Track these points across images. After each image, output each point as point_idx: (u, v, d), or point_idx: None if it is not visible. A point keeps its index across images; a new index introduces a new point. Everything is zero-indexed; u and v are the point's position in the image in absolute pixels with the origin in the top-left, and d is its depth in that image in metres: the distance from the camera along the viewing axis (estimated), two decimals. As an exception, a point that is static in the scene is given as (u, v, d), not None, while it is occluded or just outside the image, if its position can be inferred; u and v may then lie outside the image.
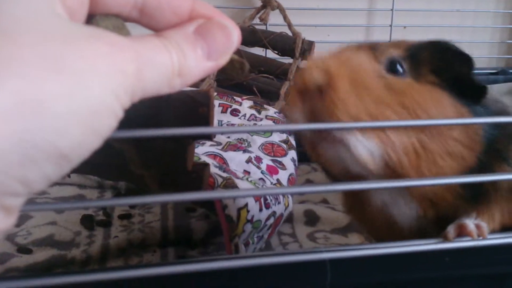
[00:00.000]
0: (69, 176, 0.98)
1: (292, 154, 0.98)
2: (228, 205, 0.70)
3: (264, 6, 1.31)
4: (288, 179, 0.92)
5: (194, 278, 0.43)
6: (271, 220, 0.78)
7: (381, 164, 0.47)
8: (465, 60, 0.49)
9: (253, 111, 1.06)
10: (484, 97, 0.50)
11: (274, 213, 0.78)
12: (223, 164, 0.83)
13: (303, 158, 1.02)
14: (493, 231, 0.50)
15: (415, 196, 0.50)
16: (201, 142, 0.89)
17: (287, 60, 1.24)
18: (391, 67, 0.49)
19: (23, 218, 0.91)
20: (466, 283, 0.50)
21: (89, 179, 1.06)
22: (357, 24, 1.50)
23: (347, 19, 1.47)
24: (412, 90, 0.48)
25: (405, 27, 1.49)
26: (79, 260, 0.81)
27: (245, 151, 0.90)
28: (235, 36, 0.34)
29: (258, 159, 0.90)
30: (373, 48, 0.51)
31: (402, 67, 0.49)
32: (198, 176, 0.57)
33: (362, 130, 0.45)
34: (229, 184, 0.73)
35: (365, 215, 0.56)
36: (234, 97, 1.10)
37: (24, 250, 0.82)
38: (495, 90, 1.28)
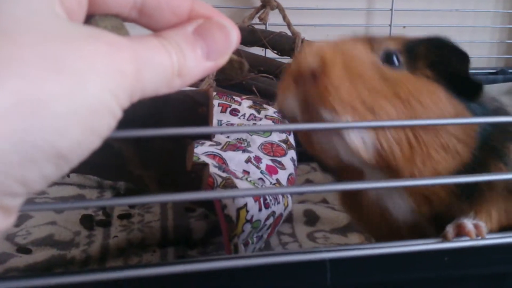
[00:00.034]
0: (68, 176, 0.99)
1: (292, 154, 0.98)
2: (227, 205, 0.70)
3: (263, 6, 1.31)
4: (288, 179, 0.92)
5: (194, 278, 0.43)
6: (271, 220, 0.78)
7: (373, 154, 0.46)
8: (462, 56, 0.49)
9: (253, 111, 1.06)
10: (480, 94, 0.50)
11: (273, 213, 0.78)
12: (222, 164, 0.83)
13: (302, 158, 1.02)
14: (491, 231, 0.50)
15: (409, 189, 0.50)
16: (200, 142, 0.89)
17: (286, 60, 1.24)
18: (387, 59, 0.49)
19: (22, 218, 0.91)
20: (465, 282, 0.50)
21: (88, 179, 1.06)
22: (356, 24, 1.50)
23: (346, 19, 1.47)
24: (407, 81, 0.48)
25: (404, 27, 1.49)
26: (78, 260, 0.81)
27: (244, 151, 0.90)
28: (234, 36, 0.34)
29: (258, 159, 0.90)
30: (370, 40, 0.50)
31: (398, 59, 0.49)
32: (198, 176, 0.57)
33: (355, 117, 0.45)
34: (228, 184, 0.73)
35: (359, 208, 0.56)
36: (234, 97, 1.10)
37: (23, 250, 0.82)
38: (495, 90, 1.28)
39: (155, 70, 0.30)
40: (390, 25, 1.45)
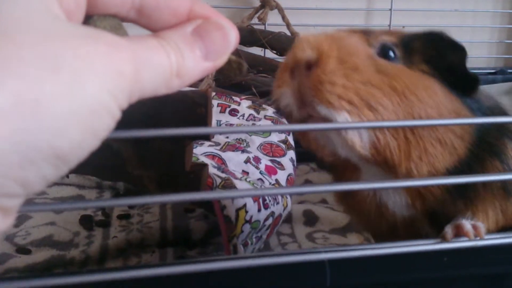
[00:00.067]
0: (67, 176, 0.98)
1: (291, 154, 0.98)
2: (226, 205, 0.70)
3: (262, 6, 1.31)
4: (287, 179, 0.92)
5: (193, 278, 0.43)
6: (270, 221, 0.78)
7: (369, 148, 0.46)
8: (459, 50, 0.49)
9: (252, 111, 1.06)
10: (477, 88, 0.50)
11: (272, 213, 0.78)
12: (221, 164, 0.83)
13: (302, 158, 1.02)
14: (488, 231, 0.50)
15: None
16: (199, 143, 0.89)
17: (285, 60, 1.24)
18: (383, 52, 0.49)
19: (22, 219, 0.91)
20: (464, 283, 0.50)
21: (88, 180, 1.05)
22: (355, 24, 1.50)
23: (345, 19, 1.47)
24: (403, 74, 0.47)
25: (403, 27, 1.49)
26: (78, 261, 0.81)
27: (243, 151, 0.90)
28: (233, 36, 0.34)
29: (257, 159, 0.90)
30: (366, 33, 0.50)
31: (394, 53, 0.49)
32: (197, 177, 0.57)
33: (350, 111, 0.44)
34: (227, 185, 0.73)
35: (356, 204, 0.56)
36: (233, 97, 1.10)
37: (23, 250, 0.82)
38: (494, 90, 1.28)
39: (154, 70, 0.30)
40: (389, 25, 1.45)
